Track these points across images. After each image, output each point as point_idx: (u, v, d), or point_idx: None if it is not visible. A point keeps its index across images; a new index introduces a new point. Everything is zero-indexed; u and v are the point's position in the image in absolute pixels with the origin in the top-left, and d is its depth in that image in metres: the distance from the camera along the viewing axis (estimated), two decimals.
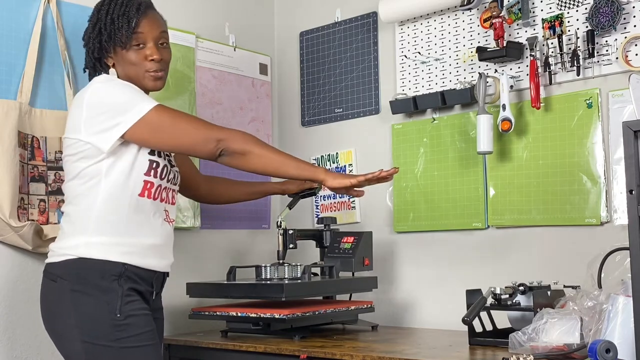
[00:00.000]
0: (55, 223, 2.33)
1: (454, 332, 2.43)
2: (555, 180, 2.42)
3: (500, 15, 2.44)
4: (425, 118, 2.76)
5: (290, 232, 2.53)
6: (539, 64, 2.41)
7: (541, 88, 2.43)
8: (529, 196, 2.47)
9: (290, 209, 2.60)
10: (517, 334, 1.93)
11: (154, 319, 2.00)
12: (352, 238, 2.61)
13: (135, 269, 1.94)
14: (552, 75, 2.41)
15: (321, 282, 2.51)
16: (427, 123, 2.75)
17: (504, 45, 2.43)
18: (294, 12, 3.22)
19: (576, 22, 2.37)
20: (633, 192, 1.60)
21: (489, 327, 2.19)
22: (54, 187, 2.35)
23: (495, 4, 2.47)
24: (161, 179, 2.00)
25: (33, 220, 2.28)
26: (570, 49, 2.36)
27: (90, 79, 2.05)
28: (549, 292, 2.12)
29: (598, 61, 2.32)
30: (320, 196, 3.04)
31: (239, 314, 2.39)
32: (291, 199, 2.61)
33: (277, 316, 2.28)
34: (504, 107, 2.45)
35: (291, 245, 2.53)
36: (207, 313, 2.46)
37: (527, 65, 2.45)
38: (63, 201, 2.11)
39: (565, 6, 2.41)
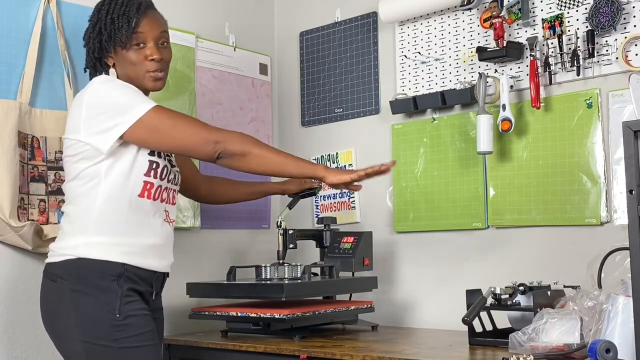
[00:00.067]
0: (55, 223, 2.33)
1: (454, 332, 2.43)
2: (555, 180, 2.42)
3: (500, 15, 2.44)
4: (425, 118, 2.76)
5: (290, 232, 2.53)
6: (539, 64, 2.41)
7: (541, 88, 2.42)
8: (529, 196, 2.47)
9: (290, 209, 2.60)
10: (517, 334, 1.93)
11: (154, 319, 1.99)
12: (352, 238, 2.61)
13: (135, 269, 1.94)
14: (552, 75, 2.41)
15: (321, 282, 2.51)
16: (427, 123, 2.75)
17: (504, 45, 2.43)
18: (294, 12, 3.21)
19: (576, 22, 2.37)
20: (633, 192, 1.60)
21: (489, 327, 2.19)
22: (54, 187, 2.35)
23: (495, 4, 2.47)
24: (161, 179, 2.00)
25: (33, 220, 2.28)
26: (570, 49, 2.36)
27: (91, 79, 2.04)
28: (549, 292, 2.12)
29: (598, 61, 2.32)
30: (320, 196, 3.04)
31: (239, 314, 2.39)
32: (291, 199, 2.61)
33: (277, 316, 2.28)
34: (504, 107, 2.45)
35: (291, 245, 2.53)
36: (207, 313, 2.46)
37: (527, 65, 2.45)
38: (63, 201, 2.11)
39: (565, 6, 2.41)
